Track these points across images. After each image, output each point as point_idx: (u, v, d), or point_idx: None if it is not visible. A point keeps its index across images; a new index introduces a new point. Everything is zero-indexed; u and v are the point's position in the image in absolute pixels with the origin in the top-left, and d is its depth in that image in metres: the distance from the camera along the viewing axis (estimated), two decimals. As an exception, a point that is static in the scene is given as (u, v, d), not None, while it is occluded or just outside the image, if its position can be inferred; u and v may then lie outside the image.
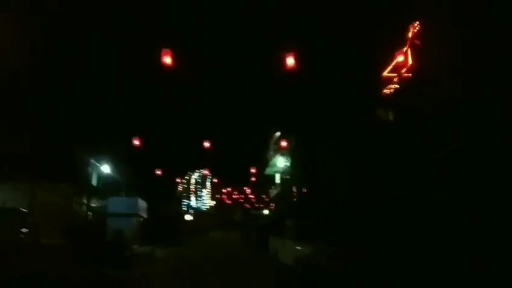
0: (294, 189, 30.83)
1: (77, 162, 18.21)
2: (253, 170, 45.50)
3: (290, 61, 11.96)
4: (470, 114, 16.18)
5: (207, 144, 18.12)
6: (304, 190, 25.85)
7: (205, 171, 35.48)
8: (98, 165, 25.03)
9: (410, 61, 27.92)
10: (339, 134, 24.06)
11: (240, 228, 47.58)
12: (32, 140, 16.57)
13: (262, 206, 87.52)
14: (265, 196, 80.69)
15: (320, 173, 22.23)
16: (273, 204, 61.23)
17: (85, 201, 18.04)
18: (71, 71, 18.02)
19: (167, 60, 9.95)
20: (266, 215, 69.78)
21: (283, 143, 18.49)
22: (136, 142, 17.21)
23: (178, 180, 48.75)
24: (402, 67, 30.00)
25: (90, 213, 20.31)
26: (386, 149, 19.69)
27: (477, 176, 13.11)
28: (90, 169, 24.20)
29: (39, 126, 15.95)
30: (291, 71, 12.88)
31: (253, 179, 50.69)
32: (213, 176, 53.67)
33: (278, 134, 45.85)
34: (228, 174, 63.80)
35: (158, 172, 26.95)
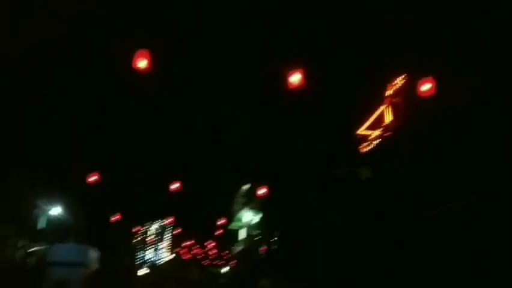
0: (263, 245, 28.78)
1: (20, 199, 15.73)
2: (222, 221, 43.09)
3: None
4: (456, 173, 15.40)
5: (175, 185, 16.07)
6: (275, 246, 23.91)
7: (169, 219, 32.62)
8: (47, 207, 22.35)
9: (388, 119, 27.33)
10: (316, 188, 22.71)
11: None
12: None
13: (222, 263, 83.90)
14: (227, 252, 77.41)
15: (294, 228, 20.52)
16: (233, 262, 58.28)
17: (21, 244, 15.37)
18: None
19: (141, 64, 8.31)
20: (225, 273, 66.41)
21: (262, 190, 16.79)
22: (93, 178, 14.94)
23: (137, 229, 45.18)
24: (379, 125, 29.42)
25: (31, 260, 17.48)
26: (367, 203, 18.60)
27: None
28: (36, 210, 21.49)
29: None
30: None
31: (219, 231, 48.11)
32: (176, 226, 50.27)
33: (246, 186, 44.33)
34: (192, 224, 60.40)
35: (114, 218, 24.34)
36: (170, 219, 28.17)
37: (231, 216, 47.62)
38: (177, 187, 15.94)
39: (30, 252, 15.08)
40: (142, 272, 66.09)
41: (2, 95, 15.85)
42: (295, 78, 9.58)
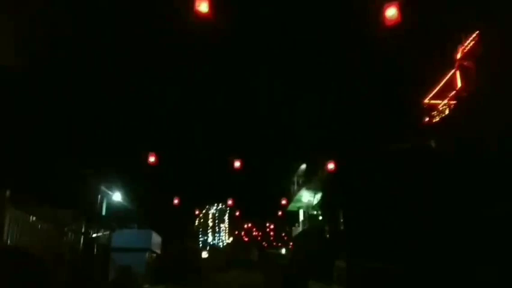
0: (326, 225, 27.55)
1: (81, 185, 15.50)
2: (283, 202, 42.00)
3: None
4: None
5: (237, 163, 15.16)
6: (341, 226, 22.61)
7: (229, 201, 32.22)
8: (109, 192, 22.32)
9: (459, 84, 24.90)
10: (380, 163, 20.98)
11: (263, 269, 43.69)
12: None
13: (280, 244, 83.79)
14: (284, 234, 77.08)
15: (361, 206, 19.09)
16: (292, 243, 57.50)
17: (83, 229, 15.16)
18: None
19: (203, 7, 7.27)
20: (283, 254, 65.94)
21: (330, 165, 15.55)
22: (152, 159, 14.33)
23: (197, 212, 45.40)
24: (448, 93, 26.91)
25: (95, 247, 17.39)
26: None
27: None
28: (99, 196, 21.51)
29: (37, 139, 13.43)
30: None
31: (280, 213, 47.10)
32: (236, 208, 49.99)
33: (303, 166, 43.05)
34: (252, 205, 60.12)
35: (176, 201, 24.05)
36: (230, 202, 27.76)
37: (289, 198, 46.62)
38: (239, 165, 15.04)
39: (93, 238, 14.96)
40: (205, 254, 67.31)
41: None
42: (391, 12, 8.11)
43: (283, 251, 73.66)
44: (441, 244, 13.31)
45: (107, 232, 16.99)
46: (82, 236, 12.88)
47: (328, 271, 15.13)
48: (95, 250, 14.76)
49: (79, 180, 15.84)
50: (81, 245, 12.67)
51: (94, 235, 14.23)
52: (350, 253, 13.93)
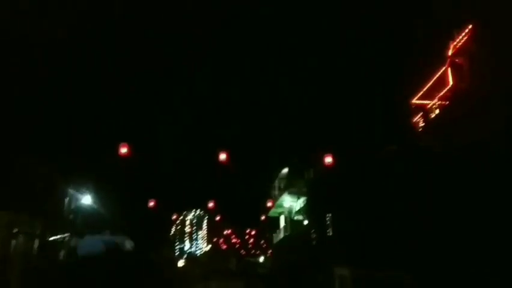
0: (312, 231, 26.16)
1: (45, 186, 13.70)
2: (269, 204, 40.48)
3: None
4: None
5: (222, 156, 13.54)
6: (328, 232, 21.24)
7: (209, 204, 30.38)
8: (78, 195, 20.48)
9: (450, 82, 23.97)
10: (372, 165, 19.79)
11: (243, 279, 41.91)
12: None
13: (258, 252, 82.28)
14: (263, 242, 75.63)
15: (356, 211, 17.80)
16: (271, 251, 56.04)
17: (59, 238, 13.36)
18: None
19: None
20: (262, 262, 64.53)
21: (328, 158, 14.16)
22: (123, 149, 12.54)
23: (174, 217, 43.19)
24: (437, 92, 25.97)
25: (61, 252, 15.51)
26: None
27: None
28: (67, 199, 19.65)
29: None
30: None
31: (263, 217, 45.57)
32: (216, 212, 48.11)
33: (286, 170, 41.79)
34: (233, 210, 58.29)
35: (151, 203, 22.24)
36: (211, 204, 26.03)
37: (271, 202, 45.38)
38: (224, 158, 13.47)
39: (56, 242, 13.21)
40: (181, 263, 65.09)
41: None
42: None
43: (262, 259, 72.42)
44: (449, 248, 12.07)
45: (66, 236, 15.05)
46: (38, 240, 11.12)
47: (318, 280, 13.73)
48: (62, 256, 12.95)
49: (39, 179, 14.05)
50: (35, 249, 10.91)
51: (52, 238, 12.40)
52: (348, 260, 12.58)
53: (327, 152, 13.86)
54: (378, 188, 17.16)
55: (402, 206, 14.86)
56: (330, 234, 21.07)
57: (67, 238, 13.87)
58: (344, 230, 18.92)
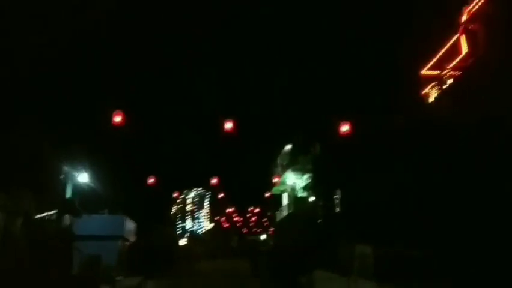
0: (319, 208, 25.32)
1: (34, 159, 12.68)
2: (276, 180, 39.50)
3: None
4: None
5: (228, 124, 12.41)
6: (337, 209, 20.38)
7: (213, 180, 29.31)
8: (74, 172, 19.44)
9: (464, 51, 22.67)
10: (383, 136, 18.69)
11: (247, 256, 41.38)
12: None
13: (260, 230, 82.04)
14: (265, 220, 75.27)
15: (366, 185, 16.82)
16: (273, 229, 55.59)
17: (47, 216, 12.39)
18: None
19: None
20: (264, 240, 64.36)
21: (344, 127, 13.07)
22: (117, 118, 11.34)
23: (175, 195, 42.34)
24: (448, 63, 24.63)
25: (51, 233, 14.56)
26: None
27: None
28: (62, 176, 18.61)
29: None
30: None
31: (268, 194, 44.72)
32: (219, 190, 47.24)
33: (289, 147, 40.86)
34: (236, 187, 57.49)
35: (151, 180, 21.23)
36: (214, 181, 24.99)
37: (273, 181, 44.58)
38: (231, 127, 12.35)
39: (45, 222, 12.28)
40: (182, 242, 64.97)
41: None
42: None
43: (263, 237, 72.30)
44: (472, 225, 11.13)
45: (53, 213, 14.01)
46: (22, 218, 10.13)
47: (326, 258, 12.81)
48: (52, 237, 12.02)
49: (27, 151, 12.98)
50: (19, 227, 9.93)
51: (38, 216, 11.43)
52: (359, 237, 11.68)
53: (342, 120, 12.80)
54: (394, 160, 16.18)
55: (420, 181, 13.92)
56: (339, 210, 20.25)
57: (54, 216, 12.84)
58: (354, 206, 18.02)
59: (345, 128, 12.99)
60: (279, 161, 43.92)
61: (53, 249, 10.56)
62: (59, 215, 12.54)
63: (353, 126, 12.85)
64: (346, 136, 13.19)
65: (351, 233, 16.27)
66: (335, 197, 21.10)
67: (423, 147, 17.04)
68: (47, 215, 11.81)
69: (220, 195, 45.71)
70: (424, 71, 25.33)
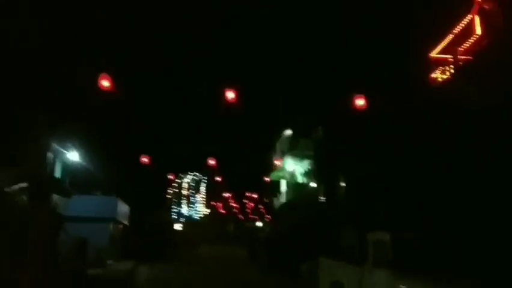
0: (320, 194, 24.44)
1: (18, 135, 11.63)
2: (277, 162, 38.37)
3: None
4: None
5: (230, 94, 11.30)
6: (341, 195, 19.48)
7: (211, 161, 28.15)
8: (64, 150, 18.44)
9: (478, 31, 21.48)
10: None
11: (244, 243, 40.66)
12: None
13: (256, 217, 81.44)
14: (262, 207, 74.56)
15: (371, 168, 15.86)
16: (270, 216, 54.91)
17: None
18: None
19: None
20: (261, 227, 63.69)
21: (360, 100, 12.00)
22: (105, 83, 10.20)
23: (171, 177, 41.17)
24: (459, 43, 23.41)
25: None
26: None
27: None
28: (51, 154, 17.61)
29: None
30: None
31: (268, 179, 43.71)
32: (217, 173, 46.00)
33: (288, 132, 39.99)
34: (236, 169, 56.31)
35: (145, 160, 20.11)
36: (212, 162, 23.82)
37: (271, 166, 43.76)
38: (233, 97, 11.28)
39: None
40: (177, 227, 64.20)
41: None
42: None
43: (260, 224, 71.75)
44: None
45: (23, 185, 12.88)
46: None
47: (328, 245, 11.94)
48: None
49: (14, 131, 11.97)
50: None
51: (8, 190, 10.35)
52: (366, 223, 10.81)
53: (355, 95, 11.72)
54: (407, 144, 15.21)
55: (437, 167, 12.99)
56: (344, 196, 19.35)
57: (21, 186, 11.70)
58: (362, 192, 17.07)
59: (360, 101, 11.93)
60: (278, 146, 43.07)
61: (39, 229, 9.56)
62: (40, 192, 11.50)
63: (369, 101, 11.81)
64: (361, 111, 12.15)
65: (358, 219, 15.38)
66: (340, 183, 20.18)
67: (436, 131, 16.15)
68: (19, 188, 10.76)
69: (218, 179, 44.58)
70: (433, 54, 24.26)
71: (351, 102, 11.99)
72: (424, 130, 16.11)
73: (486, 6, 21.07)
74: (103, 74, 9.94)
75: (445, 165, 13.76)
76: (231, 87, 11.03)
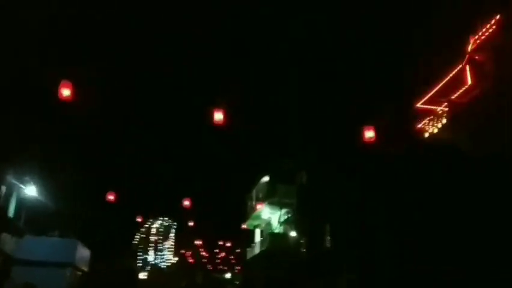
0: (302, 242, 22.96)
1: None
2: (259, 206, 36.51)
3: None
4: None
5: (218, 115, 9.84)
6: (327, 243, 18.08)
7: (185, 202, 26.26)
8: (20, 185, 16.56)
9: (469, 82, 21.17)
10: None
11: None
12: None
13: (226, 268, 78.94)
14: (233, 257, 72.29)
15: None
16: (241, 267, 52.71)
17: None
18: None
19: None
20: (228, 279, 61.50)
21: (370, 133, 10.96)
22: (66, 92, 8.65)
23: (140, 220, 38.49)
24: (447, 94, 23.05)
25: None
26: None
27: None
28: (4, 187, 15.71)
29: None
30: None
31: (244, 225, 41.81)
32: (190, 217, 43.52)
33: (266, 178, 38.68)
34: (212, 210, 53.98)
35: (111, 197, 18.13)
36: (186, 203, 22.03)
37: (246, 215, 42.09)
38: (221, 119, 9.95)
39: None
40: (143, 275, 60.88)
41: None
42: None
43: (228, 275, 69.57)
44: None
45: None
46: None
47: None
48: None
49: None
50: None
51: None
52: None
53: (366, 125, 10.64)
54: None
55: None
56: (329, 245, 17.94)
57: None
58: (349, 241, 15.79)
59: (369, 133, 10.80)
60: (254, 193, 41.53)
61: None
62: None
63: (378, 133, 10.74)
64: (370, 144, 11.03)
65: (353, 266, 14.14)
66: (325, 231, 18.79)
67: (428, 181, 15.51)
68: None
69: (190, 223, 42.17)
70: (420, 104, 23.82)
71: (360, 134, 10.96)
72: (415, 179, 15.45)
73: (477, 57, 20.98)
74: (64, 81, 8.48)
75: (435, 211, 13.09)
76: (218, 107, 9.82)
